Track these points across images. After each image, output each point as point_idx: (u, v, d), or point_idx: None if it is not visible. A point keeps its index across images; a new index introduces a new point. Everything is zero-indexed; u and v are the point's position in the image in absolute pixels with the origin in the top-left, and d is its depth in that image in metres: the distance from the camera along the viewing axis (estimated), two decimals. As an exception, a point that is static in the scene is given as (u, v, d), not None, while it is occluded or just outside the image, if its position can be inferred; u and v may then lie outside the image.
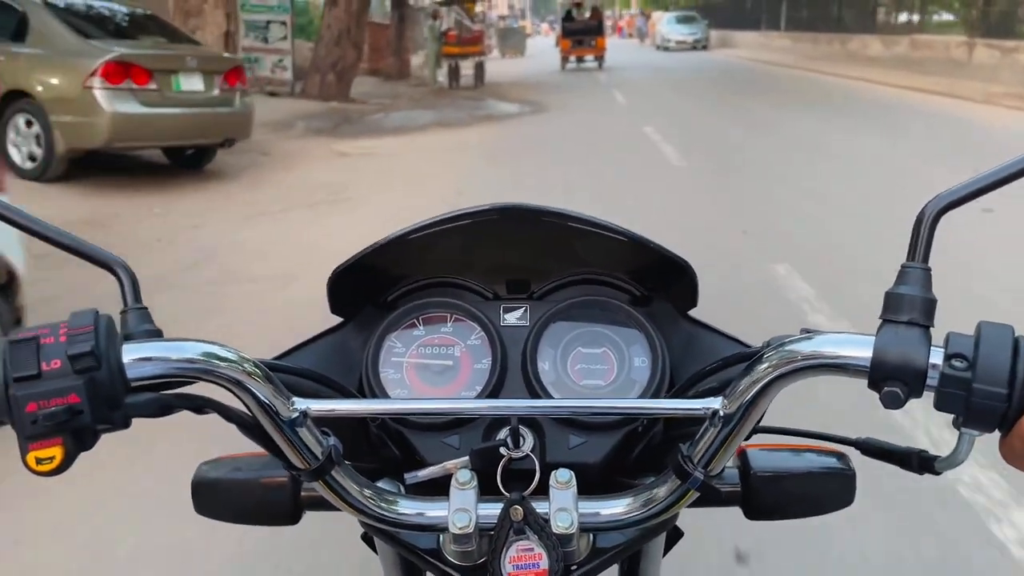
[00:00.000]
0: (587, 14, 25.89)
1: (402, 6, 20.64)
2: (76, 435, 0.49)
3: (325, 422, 0.61)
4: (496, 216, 0.70)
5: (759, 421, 0.58)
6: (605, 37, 25.41)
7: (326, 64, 14.96)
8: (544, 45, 42.62)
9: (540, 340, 0.76)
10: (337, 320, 0.81)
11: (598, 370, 0.75)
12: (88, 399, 0.49)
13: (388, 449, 0.73)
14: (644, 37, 43.77)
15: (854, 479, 0.75)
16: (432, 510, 0.62)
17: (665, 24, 34.24)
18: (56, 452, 0.49)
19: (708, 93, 15.53)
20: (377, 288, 0.81)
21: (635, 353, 0.75)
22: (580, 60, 25.36)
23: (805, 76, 18.63)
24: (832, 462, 0.76)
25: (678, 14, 35.65)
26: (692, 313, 0.80)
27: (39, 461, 0.48)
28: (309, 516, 0.76)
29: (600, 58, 24.90)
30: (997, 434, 0.49)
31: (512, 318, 0.79)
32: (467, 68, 18.76)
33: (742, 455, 0.75)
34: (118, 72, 6.42)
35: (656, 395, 0.73)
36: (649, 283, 0.80)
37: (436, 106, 14.70)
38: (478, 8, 24.94)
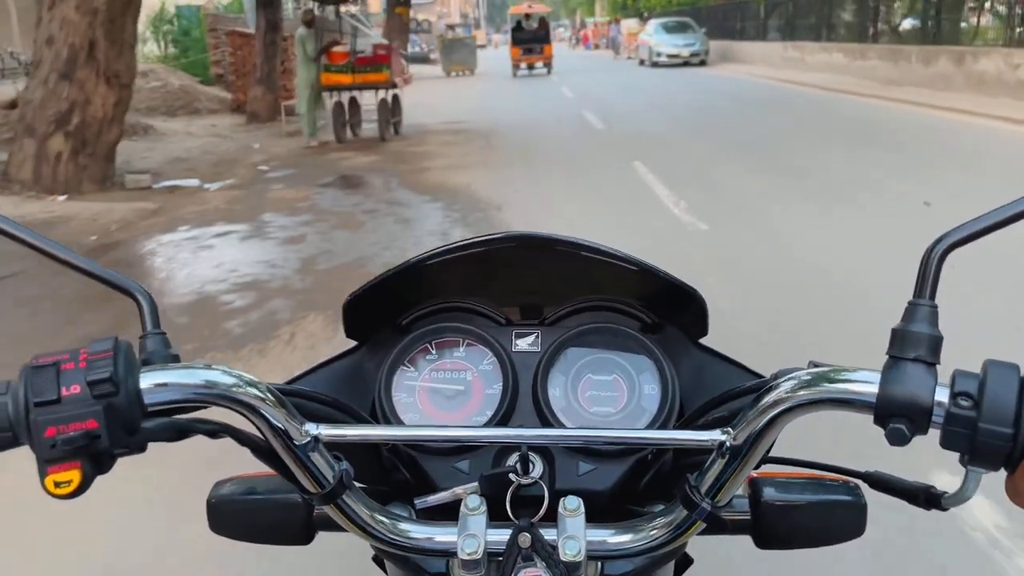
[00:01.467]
0: (535, 24, 26.96)
1: (270, 6, 12.90)
2: (94, 459, 0.50)
3: (337, 446, 0.62)
4: (511, 244, 0.73)
5: (767, 452, 0.59)
6: (552, 45, 27.08)
7: (45, 119, 7.10)
8: (498, 58, 35.15)
9: (551, 366, 0.78)
10: (351, 343, 0.83)
11: (608, 397, 0.77)
12: (106, 424, 0.49)
13: (399, 473, 0.76)
14: (618, 48, 36.36)
15: (865, 510, 0.75)
16: (441, 535, 0.63)
17: (653, 34, 26.52)
18: (74, 475, 0.49)
19: (815, 164, 8.12)
20: (392, 312, 0.83)
21: (645, 381, 0.77)
22: (531, 67, 26.74)
23: (932, 117, 11.37)
24: (843, 493, 0.76)
25: (667, 21, 27.65)
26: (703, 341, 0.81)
27: (57, 484, 0.49)
28: (322, 536, 0.78)
29: (548, 64, 26.51)
30: (1003, 472, 0.49)
31: (524, 344, 0.81)
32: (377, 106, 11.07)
33: (753, 484, 0.76)
34: None
35: (665, 423, 0.74)
36: (660, 311, 0.82)
37: (269, 211, 6.96)
38: (422, 16, 20.27)
